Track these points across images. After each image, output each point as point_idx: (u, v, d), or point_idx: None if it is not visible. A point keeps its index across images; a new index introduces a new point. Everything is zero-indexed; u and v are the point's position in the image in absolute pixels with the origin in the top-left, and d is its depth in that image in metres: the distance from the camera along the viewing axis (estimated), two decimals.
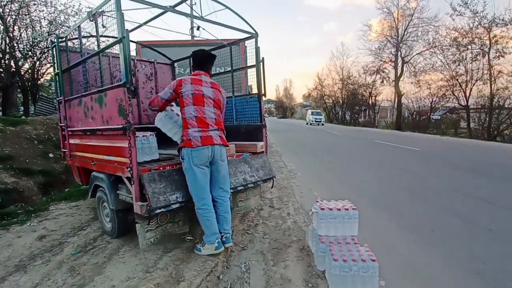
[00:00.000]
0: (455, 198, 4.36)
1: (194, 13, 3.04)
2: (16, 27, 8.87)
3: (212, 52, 3.06)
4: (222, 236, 2.66)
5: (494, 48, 19.88)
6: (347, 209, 2.46)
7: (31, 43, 8.91)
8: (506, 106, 19.16)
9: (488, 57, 20.10)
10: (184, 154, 2.51)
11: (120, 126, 2.44)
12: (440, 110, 25.06)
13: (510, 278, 2.30)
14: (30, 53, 9.00)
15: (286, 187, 5.11)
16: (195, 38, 11.08)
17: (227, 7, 3.20)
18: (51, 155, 6.41)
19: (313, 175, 6.22)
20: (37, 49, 8.86)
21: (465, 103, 21.31)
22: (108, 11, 2.66)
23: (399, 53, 28.15)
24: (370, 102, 34.26)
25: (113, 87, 2.53)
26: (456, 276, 2.34)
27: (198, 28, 14.89)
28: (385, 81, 30.36)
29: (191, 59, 2.86)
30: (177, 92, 2.57)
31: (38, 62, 9.55)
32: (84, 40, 3.89)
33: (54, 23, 8.52)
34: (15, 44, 9.00)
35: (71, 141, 3.53)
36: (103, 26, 2.72)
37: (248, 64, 3.89)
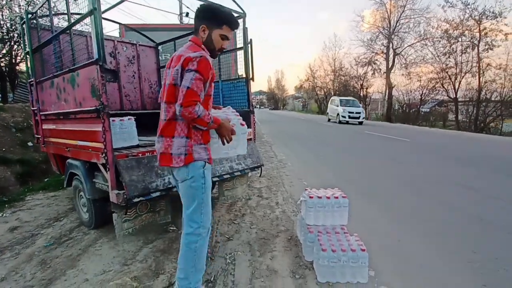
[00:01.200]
0: (445, 188, 4.32)
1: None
2: None
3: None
4: None
5: (484, 41, 20.08)
6: (336, 197, 2.34)
7: (7, 25, 8.41)
8: (493, 99, 19.47)
9: (478, 50, 20.29)
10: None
11: (93, 108, 2.25)
12: (429, 103, 25.29)
13: (501, 267, 2.23)
14: (7, 36, 8.50)
15: (276, 177, 4.98)
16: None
17: None
18: (30, 143, 6.10)
19: (304, 165, 6.10)
20: (15, 32, 8.38)
21: (454, 96, 21.53)
22: None
23: (390, 45, 28.10)
24: (362, 94, 34.31)
25: (85, 65, 2.32)
26: (448, 266, 2.26)
27: (187, 15, 14.55)
28: (376, 73, 30.38)
29: (209, 15, 1.70)
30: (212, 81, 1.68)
31: (16, 46, 9.05)
32: (57, 20, 3.61)
33: (32, 3, 8.02)
34: None
35: (45, 126, 3.30)
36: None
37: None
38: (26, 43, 3.26)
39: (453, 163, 6.18)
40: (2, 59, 9.45)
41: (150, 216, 2.59)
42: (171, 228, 2.84)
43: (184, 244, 1.69)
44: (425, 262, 2.32)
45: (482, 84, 19.90)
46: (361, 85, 33.70)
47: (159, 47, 4.66)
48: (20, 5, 8.33)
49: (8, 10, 8.27)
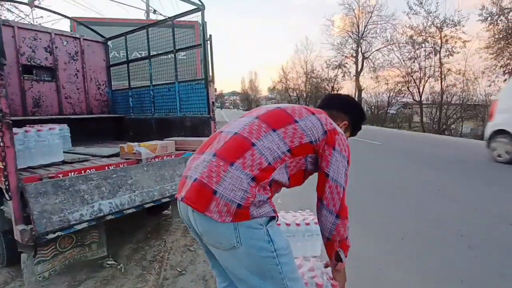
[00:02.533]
0: (422, 197, 4.11)
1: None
2: None
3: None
4: None
5: (445, 47, 21.06)
6: (308, 224, 1.97)
7: None
8: (453, 102, 20.50)
9: (440, 56, 21.22)
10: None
11: None
12: (396, 105, 26.19)
13: None
14: None
15: None
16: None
17: None
18: None
19: None
20: None
21: (419, 99, 22.40)
22: None
23: (359, 49, 28.82)
24: None
25: None
26: None
27: (154, 12, 13.74)
28: (346, 76, 31.08)
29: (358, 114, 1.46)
30: None
31: None
32: None
33: None
34: None
35: None
36: None
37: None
38: None
39: (426, 168, 6.10)
40: None
41: (77, 252, 2.05)
42: (109, 262, 2.31)
43: None
44: None
45: (444, 88, 20.86)
46: (332, 87, 34.33)
47: (109, 43, 4.06)
48: None
49: None
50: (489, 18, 16.72)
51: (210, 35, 2.95)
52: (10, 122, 1.65)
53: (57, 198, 1.80)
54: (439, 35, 21.15)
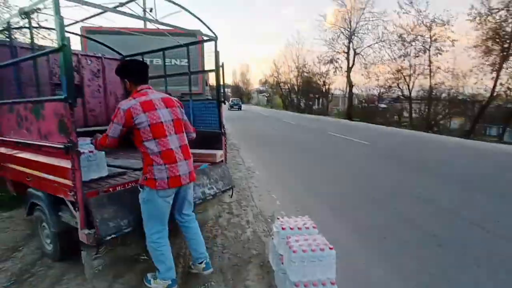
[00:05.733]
0: (404, 201, 4.56)
1: (147, 15, 2.75)
2: None
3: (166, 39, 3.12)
4: (201, 262, 2.45)
5: (434, 46, 21.73)
6: (307, 228, 2.50)
7: None
8: (442, 98, 21.31)
9: (429, 54, 21.92)
10: (145, 188, 2.16)
11: (62, 146, 2.15)
12: (386, 100, 26.82)
13: None
14: None
15: (245, 189, 5.09)
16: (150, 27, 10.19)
17: (184, 9, 2.95)
18: None
19: (271, 173, 6.28)
20: None
21: (408, 95, 23.13)
22: (44, 8, 2.29)
23: (351, 45, 29.33)
24: (324, 90, 35.53)
25: (51, 100, 2.21)
26: None
27: (151, 10, 13.93)
28: (337, 71, 31.59)
29: (122, 71, 2.30)
30: (129, 125, 2.10)
31: None
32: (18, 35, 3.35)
33: None
34: None
35: (1, 150, 3.07)
36: (38, 25, 2.35)
37: (206, 64, 3.71)
38: None
39: (411, 170, 6.66)
40: None
41: (120, 249, 2.56)
42: (142, 257, 2.82)
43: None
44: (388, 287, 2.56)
45: (433, 85, 21.60)
46: (324, 82, 34.93)
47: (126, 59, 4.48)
48: None
49: None
50: (477, 18, 17.39)
51: (223, 63, 3.42)
52: (80, 151, 2.13)
53: (111, 208, 2.29)
54: (429, 34, 21.84)
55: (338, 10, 29.34)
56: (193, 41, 3.70)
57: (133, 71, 2.27)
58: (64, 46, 2.00)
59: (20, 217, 3.79)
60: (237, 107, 39.35)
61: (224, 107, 3.55)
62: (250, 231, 3.49)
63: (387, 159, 7.94)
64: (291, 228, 2.47)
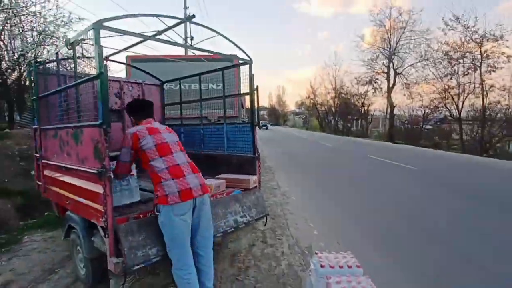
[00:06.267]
0: (465, 236, 4.03)
1: (183, 41, 2.80)
2: (4, 37, 8.59)
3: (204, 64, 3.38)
4: None
5: (486, 63, 20.17)
6: (350, 267, 2.21)
7: (18, 54, 8.61)
8: (497, 119, 19.36)
9: (480, 71, 20.35)
10: (160, 208, 2.13)
11: (95, 171, 2.16)
12: (432, 121, 25.10)
13: None
14: (17, 64, 8.72)
15: (280, 215, 4.85)
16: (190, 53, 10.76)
17: (220, 34, 2.96)
18: (33, 172, 6.04)
19: (308, 199, 5.97)
20: (24, 60, 8.57)
21: (458, 116, 21.42)
22: (87, 39, 2.40)
23: (391, 65, 28.39)
24: (363, 112, 34.39)
25: (89, 126, 2.26)
26: None
27: (192, 39, 14.77)
28: (377, 92, 30.58)
29: (128, 109, 2.69)
30: (136, 148, 2.25)
31: (25, 73, 9.22)
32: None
33: (43, 33, 8.24)
34: (3, 54, 8.73)
35: (46, 173, 3.22)
36: (82, 55, 2.46)
37: (242, 87, 3.66)
38: (33, 90, 3.24)
39: (469, 201, 5.97)
40: (12, 85, 9.60)
41: (149, 278, 2.46)
42: (171, 286, 2.69)
43: None
44: None
45: (487, 104, 19.83)
46: (362, 103, 33.86)
47: (165, 85, 4.64)
48: (32, 36, 8.56)
49: (21, 40, 8.48)
50: None
51: (257, 86, 3.36)
52: (112, 176, 2.11)
53: (140, 236, 2.22)
54: (479, 50, 20.38)
55: (376, 30, 28.90)
56: (228, 66, 3.70)
57: (137, 109, 2.59)
58: (101, 74, 2.05)
59: (59, 236, 3.92)
60: (264, 127, 47.89)
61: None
62: (285, 263, 3.23)
63: (439, 187, 7.14)
64: (331, 267, 2.19)
